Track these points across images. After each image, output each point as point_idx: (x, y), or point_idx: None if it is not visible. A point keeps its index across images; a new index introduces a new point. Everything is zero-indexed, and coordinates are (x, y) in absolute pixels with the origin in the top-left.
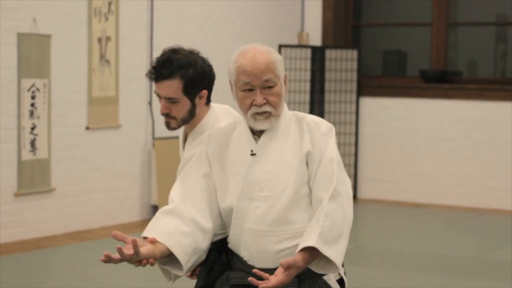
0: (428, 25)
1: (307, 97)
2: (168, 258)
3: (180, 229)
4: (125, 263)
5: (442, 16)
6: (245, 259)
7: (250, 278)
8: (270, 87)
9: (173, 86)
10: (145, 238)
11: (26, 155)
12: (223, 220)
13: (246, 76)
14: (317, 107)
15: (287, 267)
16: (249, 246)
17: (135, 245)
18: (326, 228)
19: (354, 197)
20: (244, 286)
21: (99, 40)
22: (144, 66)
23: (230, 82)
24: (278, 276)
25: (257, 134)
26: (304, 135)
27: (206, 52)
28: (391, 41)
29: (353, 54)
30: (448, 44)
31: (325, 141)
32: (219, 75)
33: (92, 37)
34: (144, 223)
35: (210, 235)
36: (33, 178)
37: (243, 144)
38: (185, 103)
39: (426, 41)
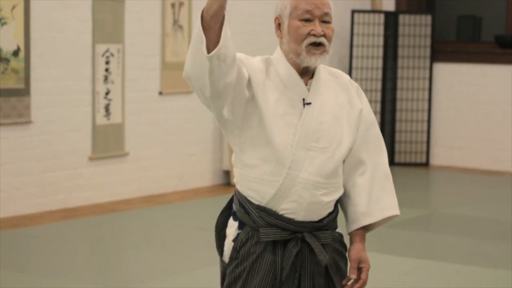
0: None
1: (380, 63)
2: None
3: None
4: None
5: None
6: (285, 212)
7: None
8: (327, 22)
9: None
10: None
11: (101, 119)
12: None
13: (308, 4)
14: (390, 73)
15: (366, 262)
16: (300, 198)
17: None
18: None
19: (427, 163)
20: (273, 242)
21: (172, 5)
22: None
23: (278, 17)
24: (363, 276)
25: (301, 77)
26: (351, 92)
27: None
28: (465, 5)
29: (427, 19)
30: None
31: (362, 100)
32: None
33: (165, 2)
34: (216, 188)
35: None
36: (107, 142)
37: (289, 84)
38: None
39: (502, 5)
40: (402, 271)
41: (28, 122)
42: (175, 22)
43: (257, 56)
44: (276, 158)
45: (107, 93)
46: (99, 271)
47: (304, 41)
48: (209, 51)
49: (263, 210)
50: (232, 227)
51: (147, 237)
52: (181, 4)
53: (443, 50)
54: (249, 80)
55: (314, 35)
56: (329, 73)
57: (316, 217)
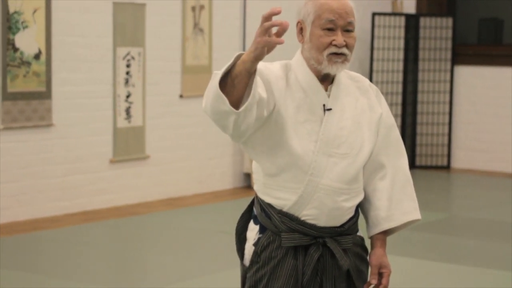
0: None
1: (400, 66)
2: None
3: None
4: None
5: None
6: (307, 218)
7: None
8: (349, 31)
9: None
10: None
11: (122, 122)
12: (274, 158)
13: (331, 14)
14: (410, 76)
15: (387, 267)
16: (321, 204)
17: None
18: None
19: (448, 166)
20: (294, 247)
21: (193, 8)
22: (237, 34)
23: (301, 21)
24: (384, 281)
25: (321, 83)
26: (371, 96)
27: None
28: (487, 8)
29: (448, 22)
30: None
31: (382, 103)
32: None
33: (186, 6)
34: (236, 191)
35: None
36: (128, 145)
37: (309, 90)
38: None
39: None
40: (422, 274)
41: (50, 125)
42: (196, 25)
43: (276, 62)
44: (297, 165)
45: (128, 96)
46: (119, 274)
47: (326, 50)
48: (231, 102)
49: (285, 215)
50: (253, 230)
51: (167, 240)
52: (201, 7)
53: (464, 53)
54: (271, 91)
55: (335, 45)
56: (349, 78)
57: (337, 223)
